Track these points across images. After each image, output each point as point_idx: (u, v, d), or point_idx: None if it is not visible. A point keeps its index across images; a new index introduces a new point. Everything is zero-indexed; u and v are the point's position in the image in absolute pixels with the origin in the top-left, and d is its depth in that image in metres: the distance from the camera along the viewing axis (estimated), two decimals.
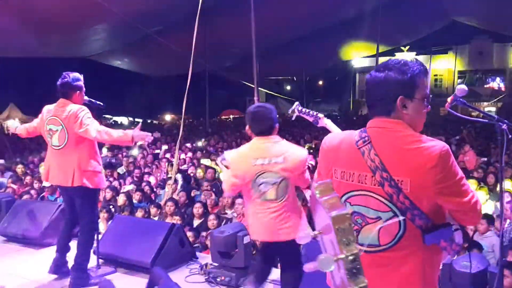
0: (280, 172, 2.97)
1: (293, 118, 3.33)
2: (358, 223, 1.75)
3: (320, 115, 3.01)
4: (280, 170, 2.97)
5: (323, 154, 1.88)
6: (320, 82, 38.40)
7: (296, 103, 3.12)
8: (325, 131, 2.85)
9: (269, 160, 2.98)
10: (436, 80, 31.63)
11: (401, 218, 1.64)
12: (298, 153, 3.04)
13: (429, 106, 1.77)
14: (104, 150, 11.50)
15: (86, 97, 4.09)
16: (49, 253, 4.42)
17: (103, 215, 6.18)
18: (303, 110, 3.06)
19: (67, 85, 3.89)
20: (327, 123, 2.98)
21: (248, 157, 3.02)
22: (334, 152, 1.81)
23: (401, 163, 1.63)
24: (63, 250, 4.10)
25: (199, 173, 8.94)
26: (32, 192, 7.68)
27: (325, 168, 1.87)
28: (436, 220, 1.69)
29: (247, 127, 3.16)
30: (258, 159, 2.99)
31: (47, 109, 3.98)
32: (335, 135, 1.95)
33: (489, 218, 5.39)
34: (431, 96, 1.77)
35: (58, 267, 4.09)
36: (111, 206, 6.73)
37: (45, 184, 7.61)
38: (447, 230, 1.71)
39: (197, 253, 4.73)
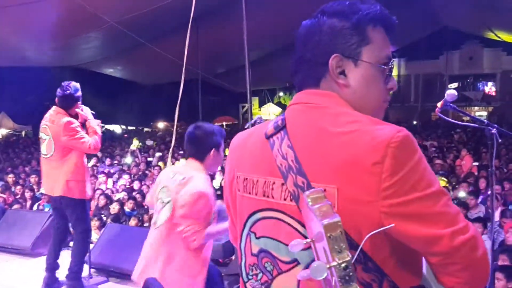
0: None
1: None
2: (267, 270, 1.04)
3: None
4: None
5: (228, 155, 1.21)
6: None
7: None
8: None
9: (173, 174, 2.55)
10: (427, 85, 31.88)
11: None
12: (194, 185, 2.41)
13: (393, 81, 1.05)
14: (92, 161, 11.38)
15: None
16: (40, 264, 4.37)
17: (94, 223, 6.13)
18: None
19: (70, 97, 3.90)
20: None
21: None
22: (240, 149, 1.15)
23: (324, 158, 0.93)
24: (52, 268, 4.06)
25: None
26: (22, 201, 7.60)
27: (228, 176, 1.19)
28: (399, 279, 0.92)
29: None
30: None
31: (44, 116, 3.99)
32: (256, 126, 1.26)
33: (483, 222, 5.41)
34: (391, 62, 1.04)
35: (49, 286, 4.04)
36: (102, 215, 6.67)
37: (42, 191, 7.54)
38: None
39: None
